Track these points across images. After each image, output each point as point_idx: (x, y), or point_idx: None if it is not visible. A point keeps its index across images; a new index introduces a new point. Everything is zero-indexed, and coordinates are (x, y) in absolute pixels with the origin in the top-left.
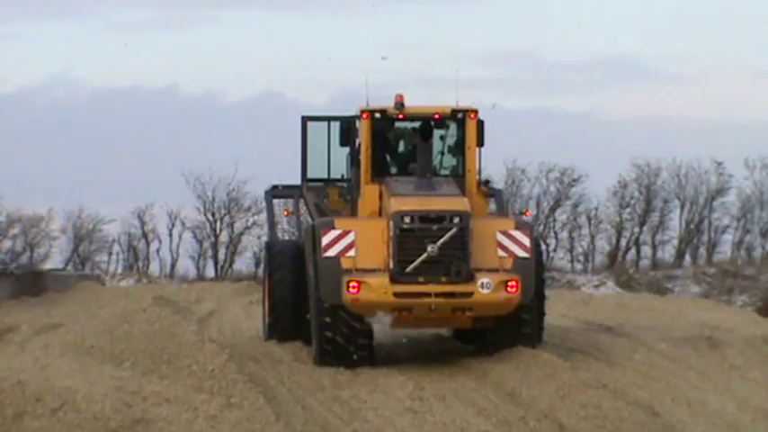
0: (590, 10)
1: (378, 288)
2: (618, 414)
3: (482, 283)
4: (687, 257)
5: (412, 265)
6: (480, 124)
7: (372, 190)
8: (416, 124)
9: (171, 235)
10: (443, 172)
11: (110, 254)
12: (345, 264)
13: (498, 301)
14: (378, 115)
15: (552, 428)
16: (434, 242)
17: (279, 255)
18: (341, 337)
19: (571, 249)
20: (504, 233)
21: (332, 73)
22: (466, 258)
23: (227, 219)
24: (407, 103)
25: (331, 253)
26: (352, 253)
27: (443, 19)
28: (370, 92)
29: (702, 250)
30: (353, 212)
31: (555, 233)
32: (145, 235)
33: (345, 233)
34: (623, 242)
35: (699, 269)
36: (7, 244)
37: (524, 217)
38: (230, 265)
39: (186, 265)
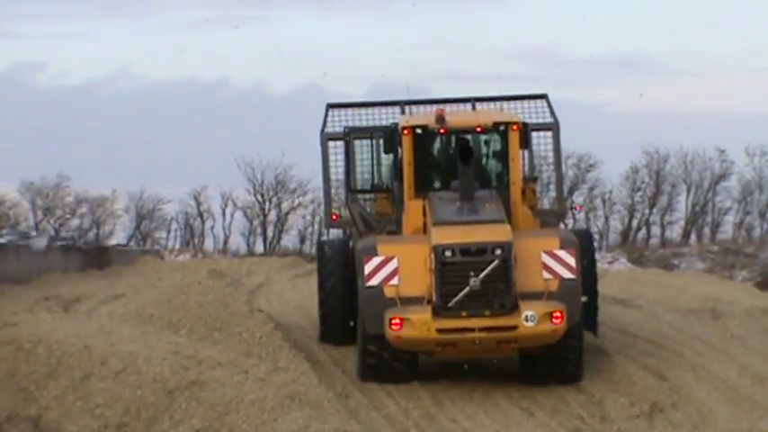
0: (602, 10)
1: (420, 325)
2: (629, 378)
3: (526, 316)
4: (693, 236)
5: (454, 300)
6: (524, 129)
7: (416, 206)
8: (458, 137)
9: (224, 214)
10: (490, 181)
11: (168, 231)
12: (389, 293)
13: (544, 333)
14: (419, 131)
15: (569, 389)
16: (477, 275)
17: (330, 261)
18: (384, 361)
19: (571, 209)
20: (549, 253)
21: (368, 66)
22: (509, 290)
23: (274, 199)
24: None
25: (374, 282)
26: (395, 281)
27: (468, 18)
28: (400, 83)
29: (707, 230)
30: (398, 225)
31: (573, 214)
32: (200, 214)
33: (388, 259)
34: (635, 222)
35: (703, 247)
36: (75, 222)
37: (576, 212)
38: (278, 242)
39: (238, 242)
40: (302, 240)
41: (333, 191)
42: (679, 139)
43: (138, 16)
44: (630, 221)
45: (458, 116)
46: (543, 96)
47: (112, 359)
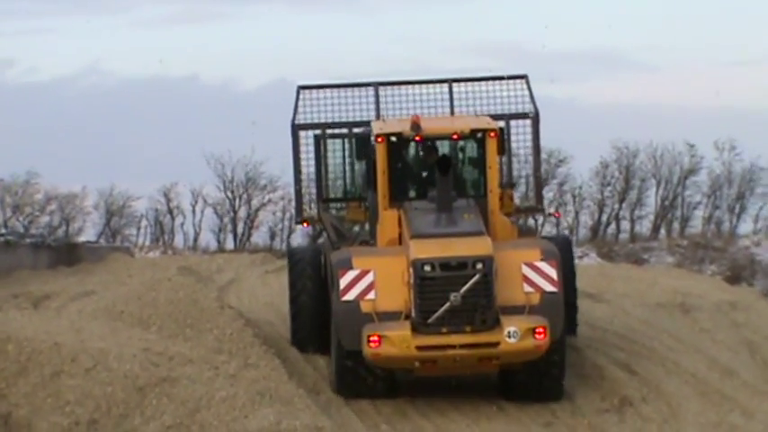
0: (572, 5)
1: (399, 343)
2: (599, 372)
3: (509, 333)
4: (662, 231)
5: (434, 316)
6: (500, 135)
7: (391, 216)
8: (434, 143)
9: (194, 211)
10: (467, 190)
11: (138, 228)
12: (365, 308)
13: (526, 349)
14: (393, 139)
15: None
16: (457, 290)
17: (301, 268)
18: (361, 377)
19: (557, 224)
20: (530, 265)
21: (338, 62)
22: (490, 305)
23: (244, 196)
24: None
25: (349, 297)
26: (371, 296)
27: (438, 14)
28: (373, 73)
29: (676, 224)
30: (372, 235)
31: (543, 209)
32: (170, 211)
33: (364, 273)
34: (604, 217)
35: (672, 241)
36: (45, 219)
37: (555, 218)
38: (248, 238)
39: (208, 238)
40: (272, 237)
41: (304, 184)
42: (648, 133)
43: (107, 12)
44: (600, 216)
45: (434, 123)
46: (524, 77)
47: (82, 356)
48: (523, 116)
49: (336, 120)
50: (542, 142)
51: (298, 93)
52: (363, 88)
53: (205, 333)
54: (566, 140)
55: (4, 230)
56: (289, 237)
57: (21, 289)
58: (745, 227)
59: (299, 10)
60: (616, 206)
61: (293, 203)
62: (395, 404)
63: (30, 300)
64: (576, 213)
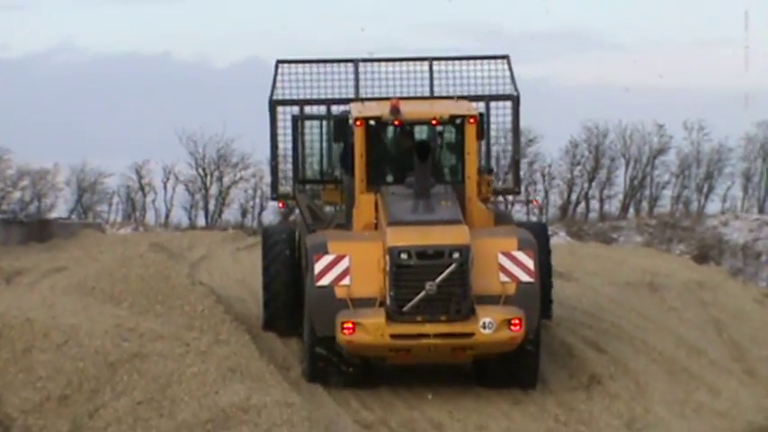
0: None
1: (373, 330)
2: (568, 350)
3: (484, 323)
4: (631, 210)
5: (410, 304)
6: (480, 121)
7: (368, 200)
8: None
9: (165, 188)
10: (444, 176)
11: (110, 204)
12: (339, 293)
13: (501, 341)
14: (372, 122)
15: None
16: (433, 279)
17: (275, 249)
18: (334, 364)
19: (527, 203)
20: (506, 254)
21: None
22: (466, 294)
23: (216, 173)
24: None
25: (324, 282)
26: (346, 281)
27: None
28: (348, 52)
29: (645, 204)
30: (348, 219)
31: (519, 191)
32: (142, 188)
33: (339, 258)
34: (574, 196)
35: (641, 221)
36: (17, 195)
37: (532, 206)
38: (219, 215)
39: (179, 215)
40: (244, 214)
41: (280, 160)
42: (618, 113)
43: None
44: (570, 195)
45: (413, 107)
46: (505, 57)
47: (54, 332)
48: (505, 98)
49: (315, 97)
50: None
51: (276, 67)
52: (343, 64)
53: (176, 309)
54: (536, 120)
55: None
56: (260, 214)
57: None
58: (713, 206)
59: None
60: (585, 185)
61: (265, 180)
62: (367, 380)
63: (1, 275)
64: (546, 192)
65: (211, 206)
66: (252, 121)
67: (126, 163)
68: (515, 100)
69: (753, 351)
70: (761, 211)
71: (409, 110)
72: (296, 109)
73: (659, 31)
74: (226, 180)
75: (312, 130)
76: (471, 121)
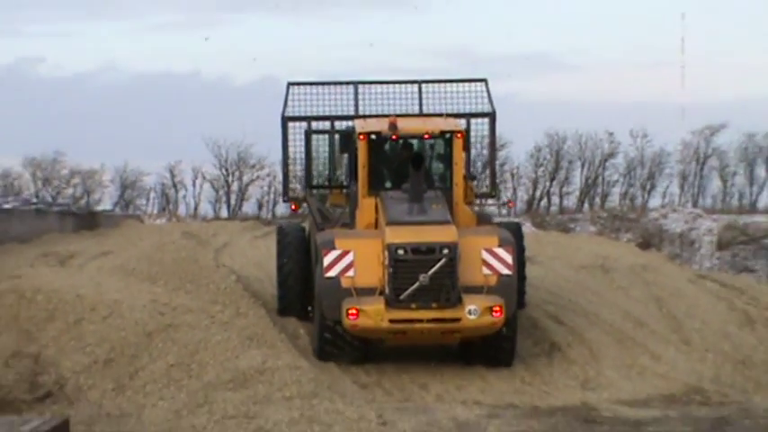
0: (513, 15)
1: (374, 315)
2: (533, 323)
3: (469, 310)
4: (586, 205)
5: (405, 294)
6: (466, 136)
7: (369, 203)
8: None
9: (194, 185)
10: (435, 182)
11: (147, 199)
12: (345, 283)
13: (484, 325)
14: (374, 137)
15: None
16: (425, 271)
17: (288, 245)
18: (339, 345)
19: (505, 204)
20: (489, 251)
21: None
22: (454, 285)
23: (236, 173)
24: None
25: (332, 273)
26: (351, 273)
27: (399, 22)
28: (343, 72)
29: (597, 199)
30: (352, 219)
31: (495, 195)
32: (174, 185)
33: (345, 253)
34: (538, 193)
35: (594, 213)
36: (69, 191)
37: (508, 208)
38: (239, 208)
39: (206, 208)
40: (260, 207)
41: (290, 167)
42: (575, 123)
43: (122, 18)
44: (534, 192)
45: (408, 124)
46: (483, 80)
47: (100, 306)
48: (483, 115)
49: (321, 113)
50: (486, 130)
51: (288, 88)
52: (345, 86)
53: (203, 287)
54: (506, 128)
55: (35, 200)
56: (273, 207)
57: (49, 249)
58: (655, 201)
59: (281, 18)
60: (547, 184)
61: (278, 179)
62: (366, 359)
63: (57, 258)
64: (514, 190)
65: (232, 200)
66: (267, 130)
67: (161, 164)
68: (492, 116)
69: (688, 323)
70: (695, 205)
71: (405, 126)
72: (304, 123)
73: (609, 53)
74: (245, 179)
75: (320, 143)
76: (458, 135)
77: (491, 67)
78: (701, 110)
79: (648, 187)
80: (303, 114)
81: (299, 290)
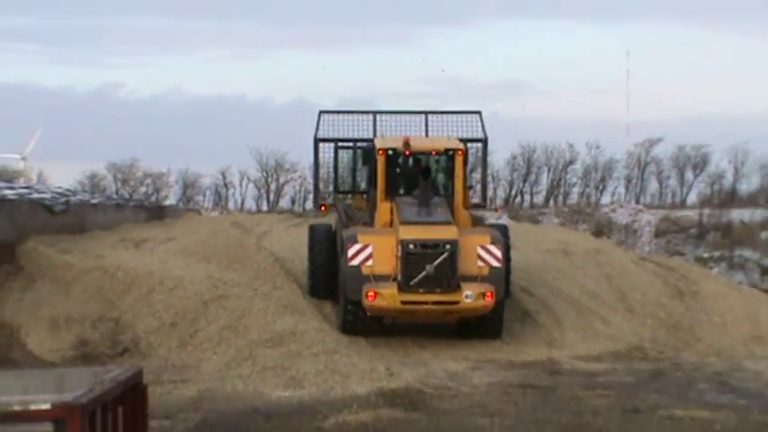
0: (493, 51)
1: (389, 297)
2: (509, 294)
3: (466, 295)
4: (551, 202)
5: (414, 280)
6: (465, 154)
7: (386, 207)
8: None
9: (241, 185)
10: (439, 191)
11: (204, 196)
12: (365, 270)
13: (477, 307)
14: (390, 152)
15: None
16: (431, 263)
17: (318, 237)
18: (360, 320)
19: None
20: (483, 247)
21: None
22: (454, 274)
23: (274, 175)
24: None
25: (355, 262)
26: (370, 263)
27: (400, 55)
28: (360, 98)
29: (560, 197)
30: (371, 219)
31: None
32: (225, 185)
33: (366, 246)
34: (513, 192)
35: (558, 208)
36: (143, 189)
37: (496, 213)
38: (277, 203)
39: (250, 203)
40: (293, 202)
41: (321, 183)
42: (543, 136)
43: (185, 53)
44: (510, 191)
45: (419, 142)
46: (477, 112)
47: (167, 280)
48: (476, 140)
49: (346, 136)
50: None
51: (319, 116)
52: (365, 115)
53: (247, 266)
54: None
55: (115, 197)
56: (304, 203)
57: (126, 235)
58: (606, 199)
59: (311, 53)
60: (521, 184)
61: (309, 182)
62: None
63: (132, 242)
64: (495, 189)
65: (271, 197)
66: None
67: (215, 168)
68: (485, 142)
69: (631, 295)
70: (637, 202)
71: (416, 144)
72: (332, 144)
73: (570, 81)
74: (281, 180)
75: (346, 157)
76: (460, 153)
77: (476, 91)
78: (642, 126)
79: (601, 188)
80: (331, 137)
81: (326, 276)
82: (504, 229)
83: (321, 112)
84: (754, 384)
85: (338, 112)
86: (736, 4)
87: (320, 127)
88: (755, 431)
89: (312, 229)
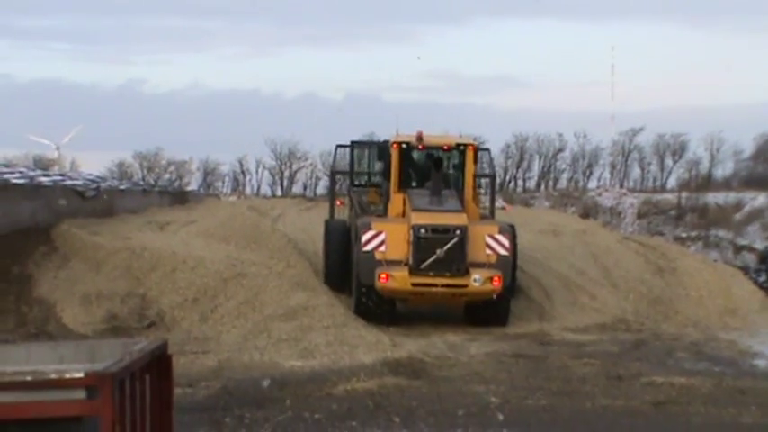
0: (488, 47)
1: (400, 280)
2: None
3: (474, 279)
4: (542, 186)
5: (425, 264)
6: (476, 150)
7: (399, 198)
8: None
9: (257, 172)
10: (450, 184)
11: (223, 182)
12: (378, 256)
13: (485, 291)
14: (404, 146)
15: None
16: (441, 247)
17: (333, 231)
18: (373, 302)
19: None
20: (491, 236)
21: (344, 81)
22: (463, 259)
23: (287, 163)
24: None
25: (368, 248)
26: (383, 249)
27: (401, 52)
28: (366, 93)
29: (551, 182)
30: (385, 211)
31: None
32: (243, 171)
33: (379, 233)
34: (508, 177)
35: (549, 193)
36: (167, 176)
37: (504, 210)
38: (290, 189)
39: (265, 189)
40: (305, 188)
41: (336, 203)
42: (534, 126)
43: (203, 50)
44: (505, 177)
45: (432, 138)
46: (486, 149)
47: (189, 259)
48: (485, 176)
49: (361, 169)
50: (467, 132)
51: (336, 149)
52: (375, 147)
53: (263, 246)
54: (484, 130)
55: (141, 183)
56: (315, 188)
57: (152, 218)
58: (592, 184)
59: (317, 50)
60: (514, 171)
61: (318, 168)
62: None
63: (157, 225)
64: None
65: (285, 183)
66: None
67: (233, 156)
68: (492, 177)
69: (615, 272)
70: (621, 186)
71: (429, 139)
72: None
73: (559, 75)
74: (294, 167)
75: (362, 155)
76: (470, 148)
77: (472, 84)
78: (626, 117)
79: (588, 174)
80: (345, 170)
81: (341, 269)
82: (512, 228)
83: (337, 147)
84: (728, 353)
85: (351, 146)
86: (712, 4)
87: (337, 159)
88: (729, 395)
89: (328, 225)
